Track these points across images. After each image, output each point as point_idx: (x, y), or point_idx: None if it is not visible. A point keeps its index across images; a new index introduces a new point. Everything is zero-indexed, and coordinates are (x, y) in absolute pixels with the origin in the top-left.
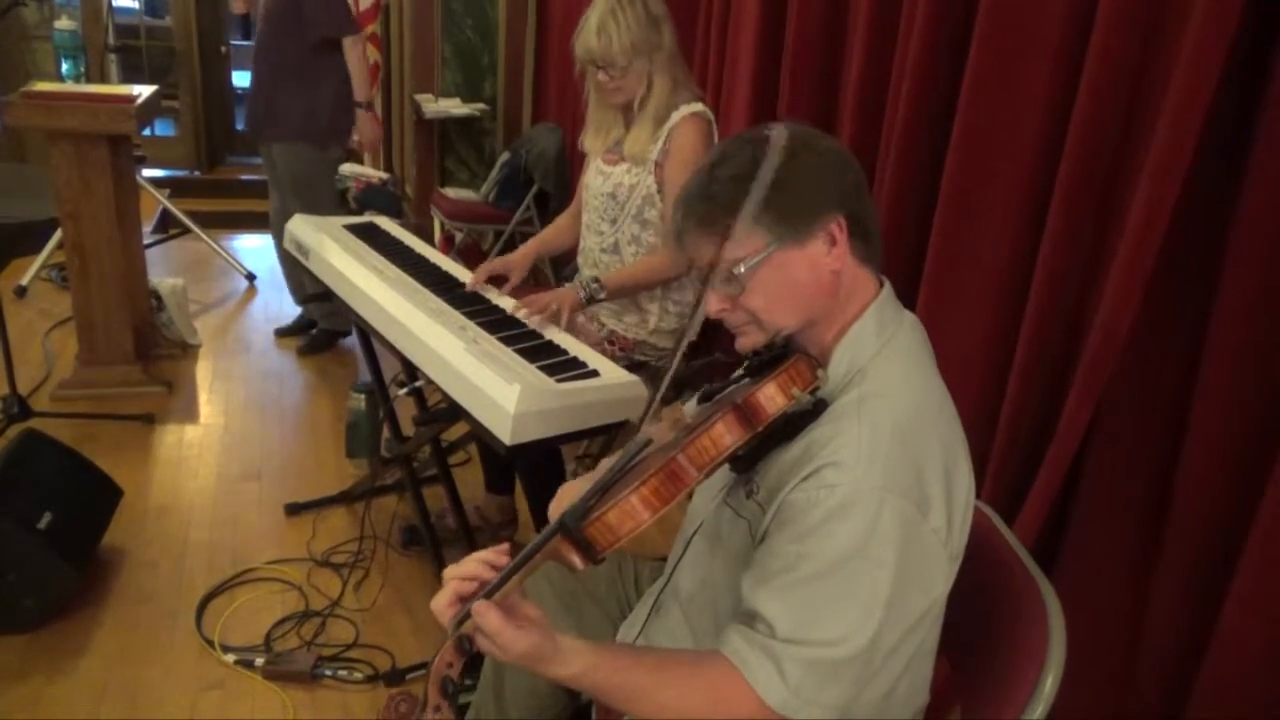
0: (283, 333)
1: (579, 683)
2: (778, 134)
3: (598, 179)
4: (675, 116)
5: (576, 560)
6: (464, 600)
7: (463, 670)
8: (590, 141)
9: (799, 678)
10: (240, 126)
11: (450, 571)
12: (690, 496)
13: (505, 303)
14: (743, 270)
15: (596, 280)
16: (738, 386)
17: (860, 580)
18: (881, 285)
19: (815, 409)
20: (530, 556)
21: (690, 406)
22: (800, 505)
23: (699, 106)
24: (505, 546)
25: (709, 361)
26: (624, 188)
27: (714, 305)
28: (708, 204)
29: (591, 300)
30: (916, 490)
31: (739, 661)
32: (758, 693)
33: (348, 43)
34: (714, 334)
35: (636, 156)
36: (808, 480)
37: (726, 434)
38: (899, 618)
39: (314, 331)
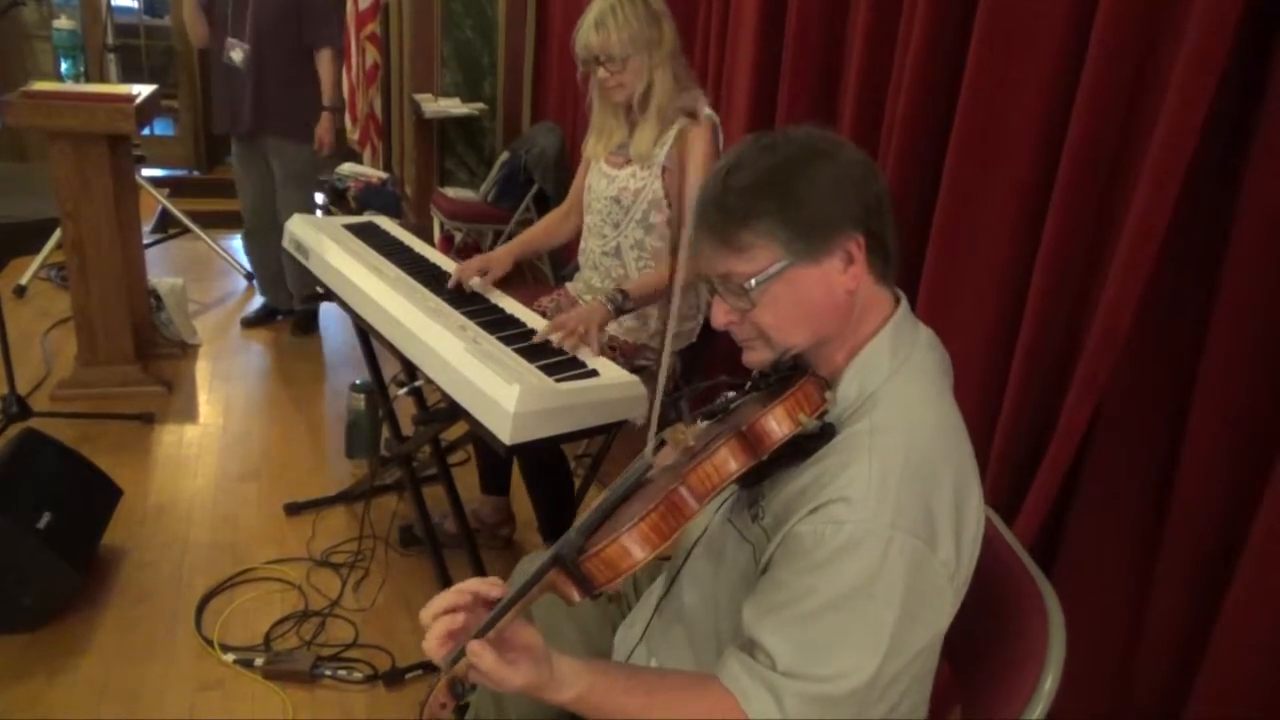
0: (249, 323)
1: (575, 708)
2: (795, 141)
3: (601, 182)
4: (682, 121)
5: (574, 593)
6: (455, 636)
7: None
8: (593, 146)
9: (797, 711)
10: None
11: (427, 613)
12: None
13: (505, 303)
14: (754, 285)
15: (621, 292)
16: (743, 404)
17: (865, 618)
18: (898, 302)
19: (823, 432)
20: (526, 590)
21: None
22: (807, 539)
23: (705, 110)
24: (494, 580)
25: (714, 384)
26: (629, 192)
27: (722, 318)
28: (721, 214)
29: (620, 312)
30: (925, 526)
31: (737, 690)
32: None
33: (330, 53)
34: (716, 339)
35: (643, 157)
36: (815, 514)
37: (730, 460)
38: (902, 651)
39: (293, 313)
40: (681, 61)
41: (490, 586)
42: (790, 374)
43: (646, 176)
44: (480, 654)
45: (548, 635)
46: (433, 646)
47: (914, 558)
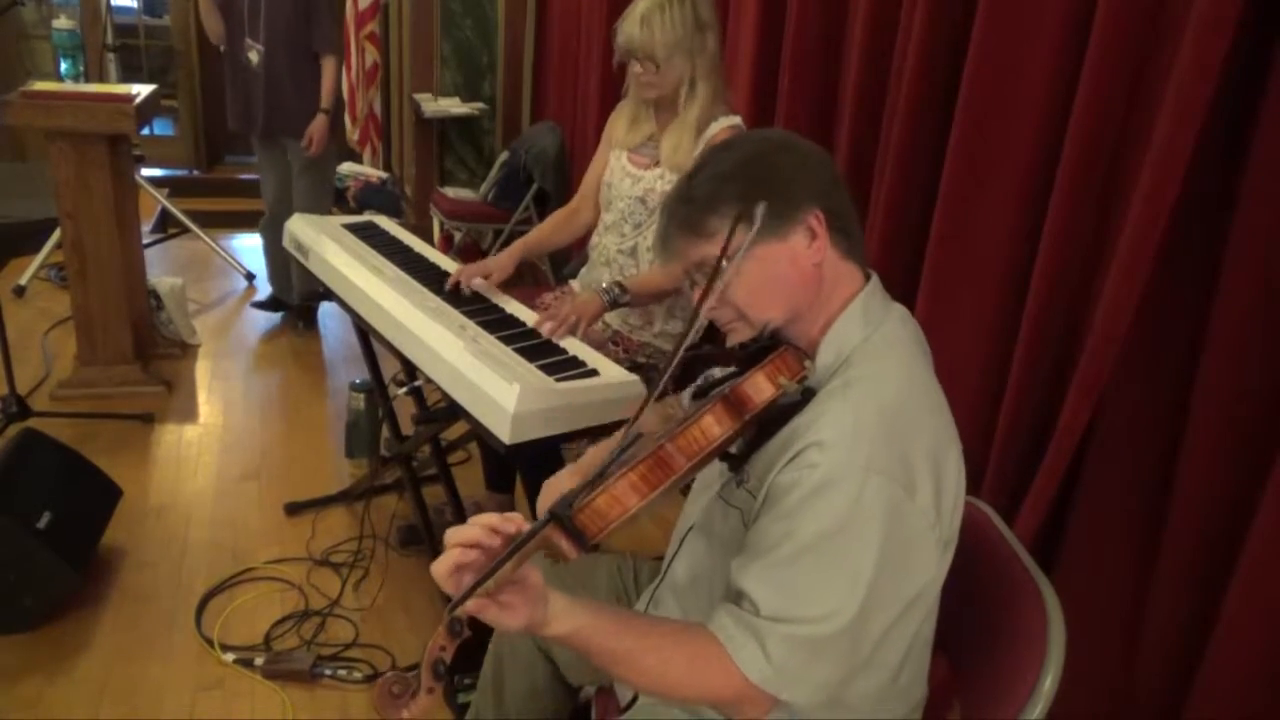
0: (259, 305)
1: (567, 643)
2: (753, 138)
3: (626, 181)
4: (715, 127)
5: (568, 548)
6: (463, 569)
7: (455, 653)
8: (623, 134)
9: (783, 655)
10: None
11: (452, 537)
12: (685, 492)
13: (504, 302)
14: (725, 266)
15: (619, 285)
16: (728, 381)
17: (842, 558)
18: (868, 279)
19: (804, 399)
20: (522, 545)
21: (685, 397)
22: (785, 485)
23: (736, 120)
24: (514, 515)
25: (698, 354)
26: (655, 193)
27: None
28: (688, 205)
29: (615, 305)
30: (902, 472)
31: (724, 637)
32: (740, 668)
33: (333, 60)
34: (710, 339)
35: (679, 165)
36: (792, 461)
37: (715, 425)
38: (886, 600)
39: (293, 308)
40: (720, 74)
41: (514, 525)
42: (770, 345)
43: (676, 180)
44: (481, 610)
45: None
46: (441, 574)
47: (890, 501)
